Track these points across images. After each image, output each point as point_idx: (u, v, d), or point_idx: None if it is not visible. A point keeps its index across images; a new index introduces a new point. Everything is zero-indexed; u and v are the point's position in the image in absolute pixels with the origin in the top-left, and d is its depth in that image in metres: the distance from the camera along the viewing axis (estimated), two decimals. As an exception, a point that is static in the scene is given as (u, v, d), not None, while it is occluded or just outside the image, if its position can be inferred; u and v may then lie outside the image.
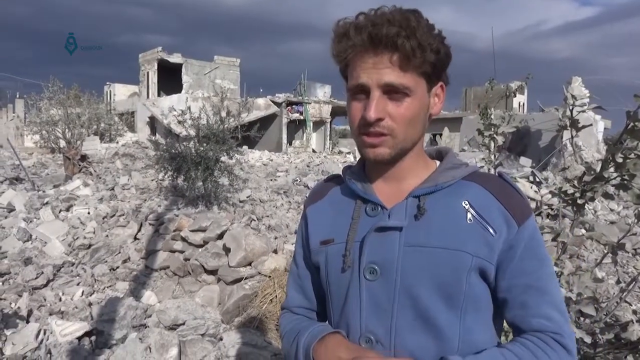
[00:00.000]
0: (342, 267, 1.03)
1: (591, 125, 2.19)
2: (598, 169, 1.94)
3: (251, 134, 8.60)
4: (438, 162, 1.09)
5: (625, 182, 1.91)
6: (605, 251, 2.19)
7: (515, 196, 1.00)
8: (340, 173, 1.18)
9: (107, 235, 6.25)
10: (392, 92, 0.94)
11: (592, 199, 1.96)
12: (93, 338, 3.71)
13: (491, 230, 0.96)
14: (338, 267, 1.04)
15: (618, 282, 2.74)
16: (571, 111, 2.11)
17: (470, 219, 0.97)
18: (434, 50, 0.93)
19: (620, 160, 1.87)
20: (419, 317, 0.97)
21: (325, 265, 1.08)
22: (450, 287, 0.95)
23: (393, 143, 0.97)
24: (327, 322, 1.16)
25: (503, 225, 0.96)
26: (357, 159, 1.16)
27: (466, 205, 0.98)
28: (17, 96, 29.54)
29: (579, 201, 1.94)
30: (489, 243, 0.96)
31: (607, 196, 2.10)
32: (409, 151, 1.02)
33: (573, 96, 2.14)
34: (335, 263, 1.05)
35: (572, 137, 2.12)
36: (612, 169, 1.90)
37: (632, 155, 1.86)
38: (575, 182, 1.97)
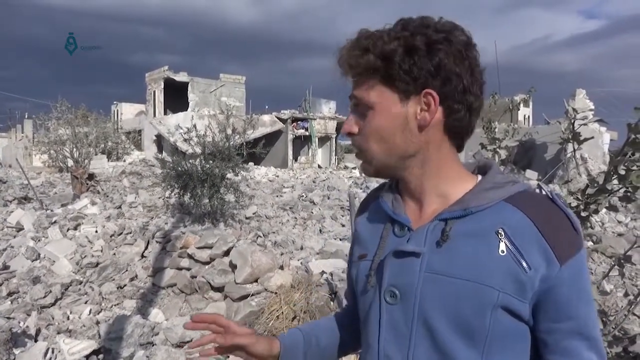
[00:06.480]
0: (365, 286, 1.00)
1: (593, 137, 2.21)
2: (601, 181, 1.94)
3: (257, 151, 8.67)
4: (479, 177, 0.98)
5: (629, 194, 1.91)
6: (613, 263, 2.18)
7: (563, 226, 0.87)
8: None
9: (114, 254, 6.28)
10: (359, 106, 0.95)
11: (596, 212, 1.97)
12: (101, 356, 3.71)
13: (525, 265, 0.84)
14: (363, 285, 1.01)
15: (626, 294, 2.73)
16: (572, 124, 2.13)
17: (502, 250, 0.86)
18: (385, 56, 0.88)
19: (622, 172, 1.88)
20: (437, 351, 0.90)
21: (356, 280, 1.05)
22: (471, 323, 0.87)
23: (369, 158, 0.96)
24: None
25: (541, 261, 0.85)
26: None
27: (501, 233, 0.87)
28: (26, 116, 29.99)
29: (582, 214, 1.94)
30: (520, 280, 0.85)
31: (612, 208, 2.11)
32: (401, 168, 0.96)
33: (574, 109, 2.16)
34: (362, 280, 1.02)
35: (574, 149, 2.13)
36: (615, 181, 1.91)
37: (635, 167, 1.87)
38: (579, 195, 1.97)
